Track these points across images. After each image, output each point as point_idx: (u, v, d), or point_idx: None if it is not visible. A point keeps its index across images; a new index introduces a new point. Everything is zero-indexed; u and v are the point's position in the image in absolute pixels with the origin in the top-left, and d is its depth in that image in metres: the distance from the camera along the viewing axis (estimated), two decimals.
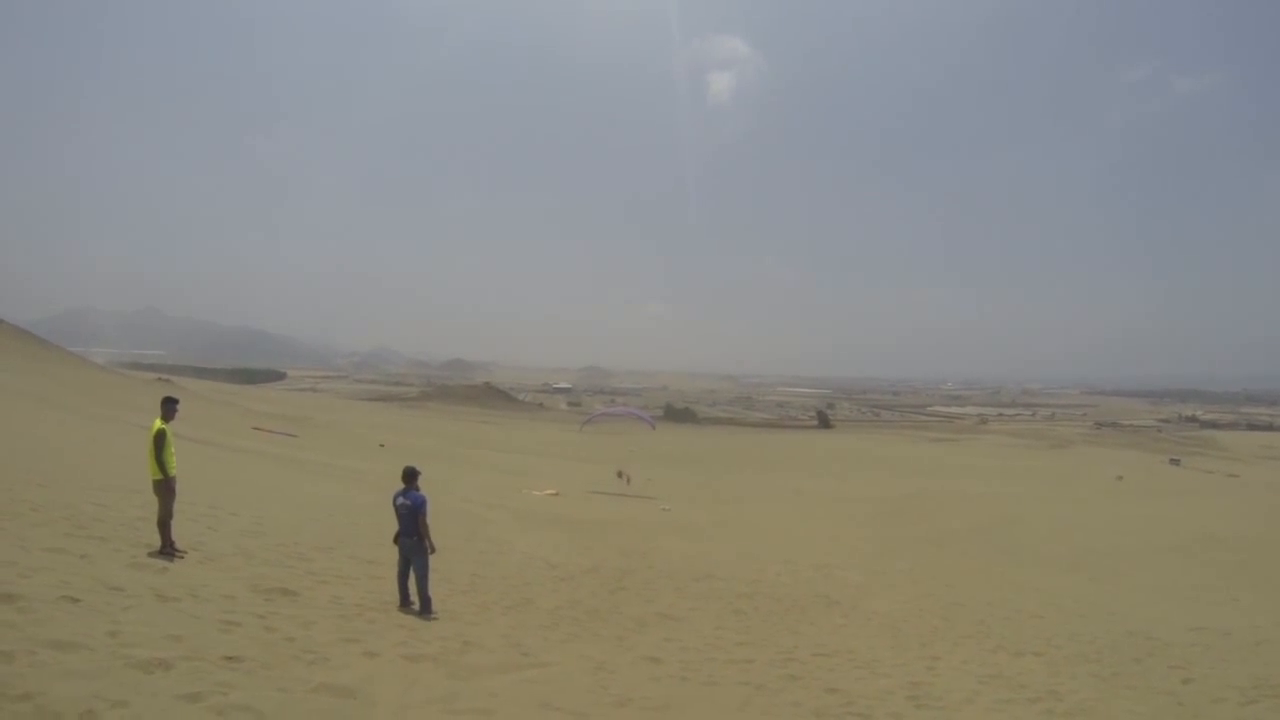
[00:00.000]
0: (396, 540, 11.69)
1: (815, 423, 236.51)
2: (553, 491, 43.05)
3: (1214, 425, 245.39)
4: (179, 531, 11.73)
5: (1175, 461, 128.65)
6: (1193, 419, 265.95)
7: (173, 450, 11.25)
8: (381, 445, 67.21)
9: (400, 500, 11.59)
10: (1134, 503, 57.46)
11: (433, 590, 11.76)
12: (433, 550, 11.65)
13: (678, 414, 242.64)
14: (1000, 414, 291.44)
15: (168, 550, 11.08)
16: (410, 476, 11.76)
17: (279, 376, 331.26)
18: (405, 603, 11.61)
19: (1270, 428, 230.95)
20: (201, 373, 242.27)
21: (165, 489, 11.02)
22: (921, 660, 12.79)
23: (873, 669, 11.90)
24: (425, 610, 11.44)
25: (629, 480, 57.91)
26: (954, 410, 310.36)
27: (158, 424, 11.12)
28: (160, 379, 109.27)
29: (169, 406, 11.46)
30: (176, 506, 11.44)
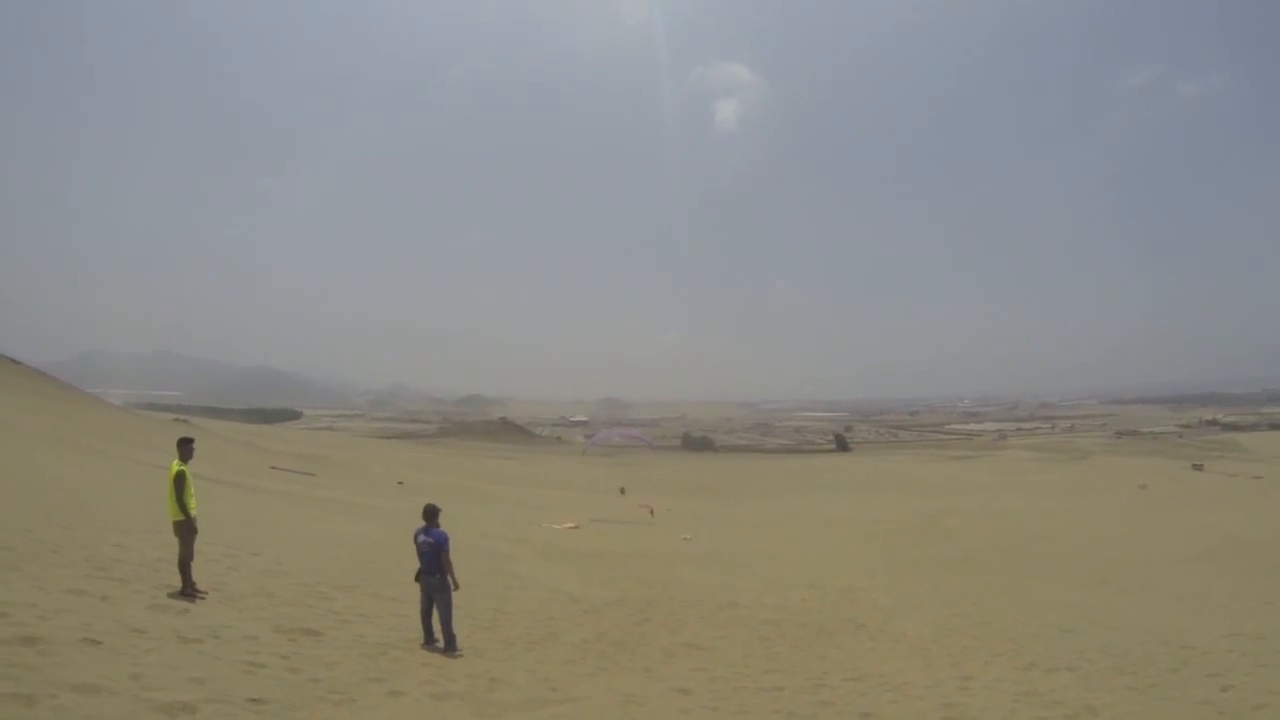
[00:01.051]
0: (418, 578, 11.56)
1: (833, 446, 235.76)
2: (572, 525, 42.78)
3: (1235, 428, 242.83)
4: (199, 572, 11.62)
5: (1198, 467, 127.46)
6: (1213, 423, 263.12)
7: (193, 491, 11.17)
8: (400, 483, 67.12)
9: (422, 538, 11.47)
10: (1159, 511, 56.98)
11: (457, 627, 11.61)
12: (456, 587, 11.52)
13: (695, 443, 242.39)
14: (1019, 429, 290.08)
15: (189, 591, 10.97)
16: (432, 514, 11.66)
17: (295, 416, 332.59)
18: (429, 640, 11.46)
19: None
20: (217, 413, 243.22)
21: (186, 529, 10.93)
22: (954, 680, 12.54)
23: (905, 691, 11.66)
24: (450, 647, 11.28)
25: (652, 512, 57.96)
26: (972, 427, 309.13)
27: (176, 465, 11.05)
28: (177, 419, 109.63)
29: (185, 447, 11.39)
30: (197, 547, 11.34)
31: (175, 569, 11.16)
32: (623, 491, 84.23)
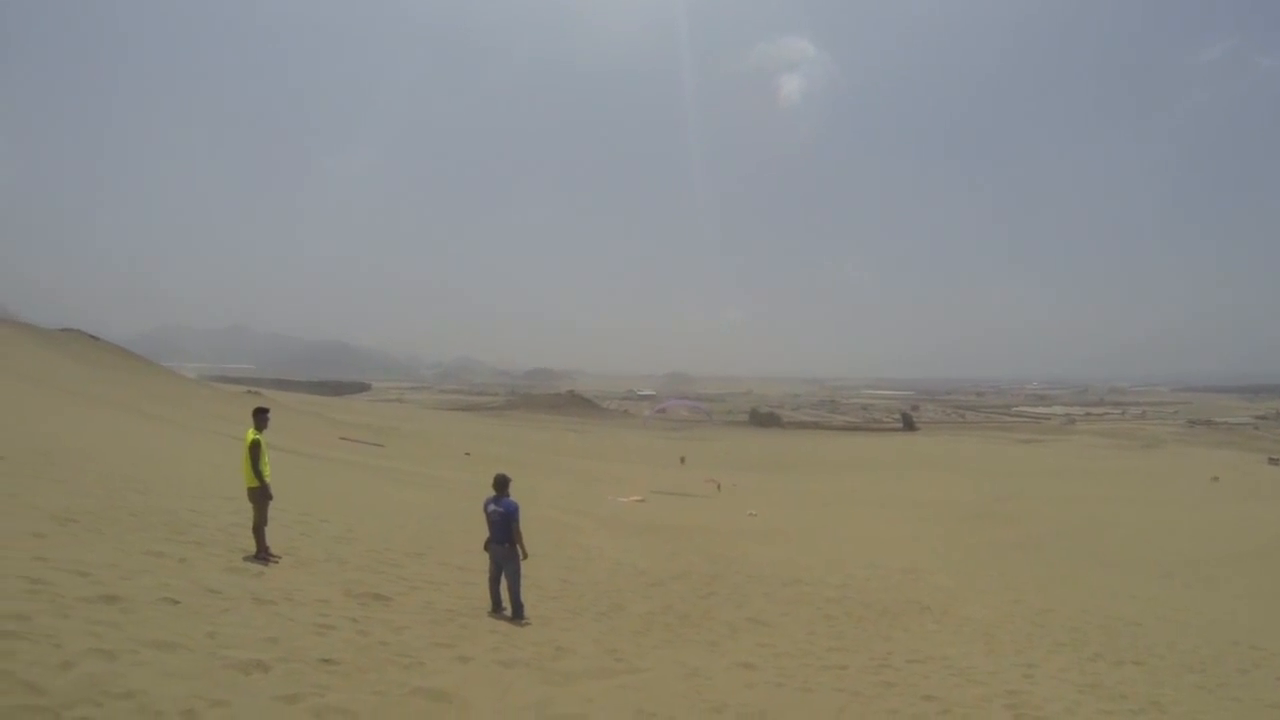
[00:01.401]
0: (487, 546, 11.61)
1: (899, 425, 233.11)
2: (639, 498, 42.95)
3: None
4: (273, 537, 11.87)
5: (1275, 461, 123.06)
6: None
7: (267, 459, 11.39)
8: (467, 454, 67.94)
9: (492, 507, 11.50)
10: (1231, 504, 55.36)
11: (524, 596, 11.66)
12: (525, 556, 11.54)
13: (762, 418, 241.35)
14: (1088, 413, 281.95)
15: (263, 555, 11.20)
16: (502, 484, 11.67)
17: (364, 388, 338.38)
18: (497, 608, 11.53)
19: None
20: (288, 385, 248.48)
21: (260, 496, 11.16)
22: (1018, 668, 12.27)
23: (969, 676, 11.43)
24: (517, 616, 11.34)
25: (719, 486, 58.07)
26: (1040, 410, 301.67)
27: (252, 434, 11.28)
28: (249, 391, 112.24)
29: (261, 417, 11.63)
30: (270, 513, 11.57)
31: (250, 534, 11.41)
32: (682, 460, 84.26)
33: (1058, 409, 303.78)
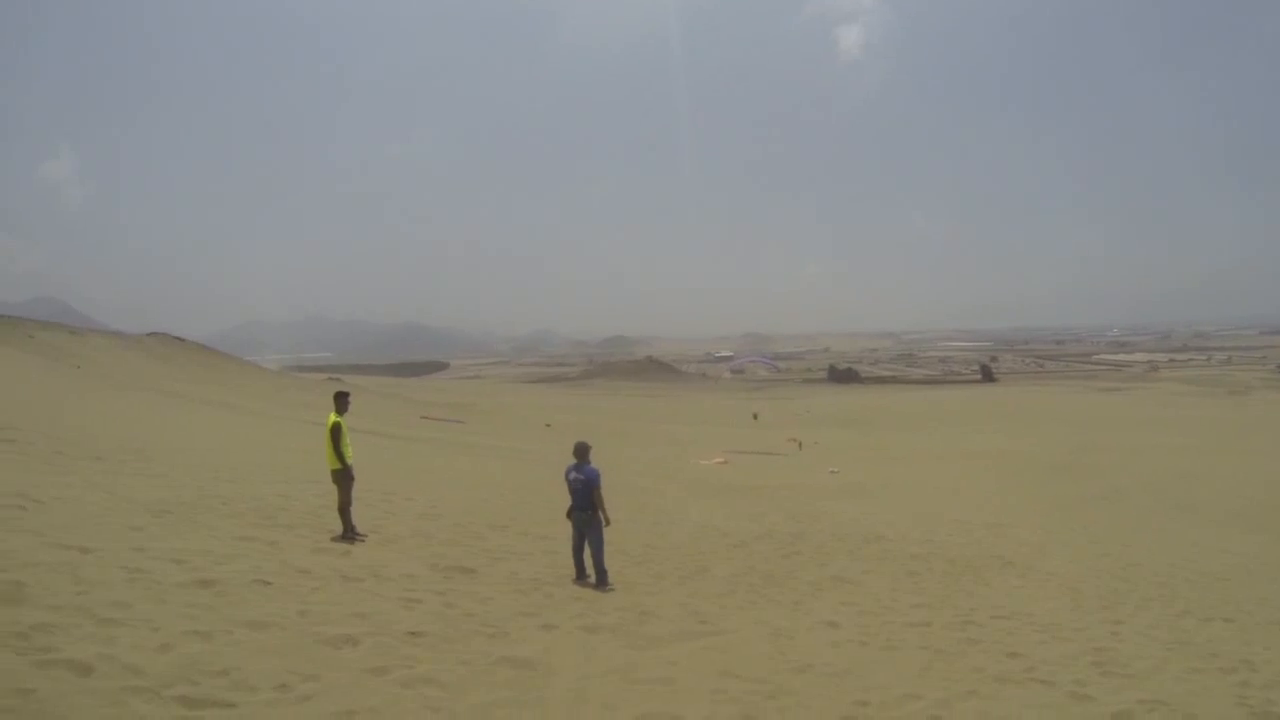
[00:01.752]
0: (570, 515, 11.69)
1: (979, 377, 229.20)
2: (721, 460, 42.88)
3: None
4: (358, 517, 12.11)
5: None
6: None
7: (349, 441, 11.62)
8: (548, 425, 68.49)
9: (573, 475, 11.56)
10: None
11: (608, 562, 11.72)
12: (608, 523, 11.59)
13: (841, 375, 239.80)
14: (1171, 360, 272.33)
15: (349, 534, 11.46)
16: (583, 451, 11.71)
17: (442, 367, 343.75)
18: (581, 576, 11.63)
19: None
20: (366, 369, 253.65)
21: (344, 477, 11.41)
22: (1103, 624, 11.96)
23: (1053, 633, 11.18)
24: (601, 582, 11.41)
25: (800, 444, 57.88)
26: (1121, 358, 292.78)
27: (333, 417, 11.52)
28: (330, 378, 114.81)
29: (341, 400, 11.87)
30: (355, 493, 11.81)
31: (336, 515, 11.67)
32: (755, 417, 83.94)
33: (1139, 356, 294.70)
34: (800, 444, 59.17)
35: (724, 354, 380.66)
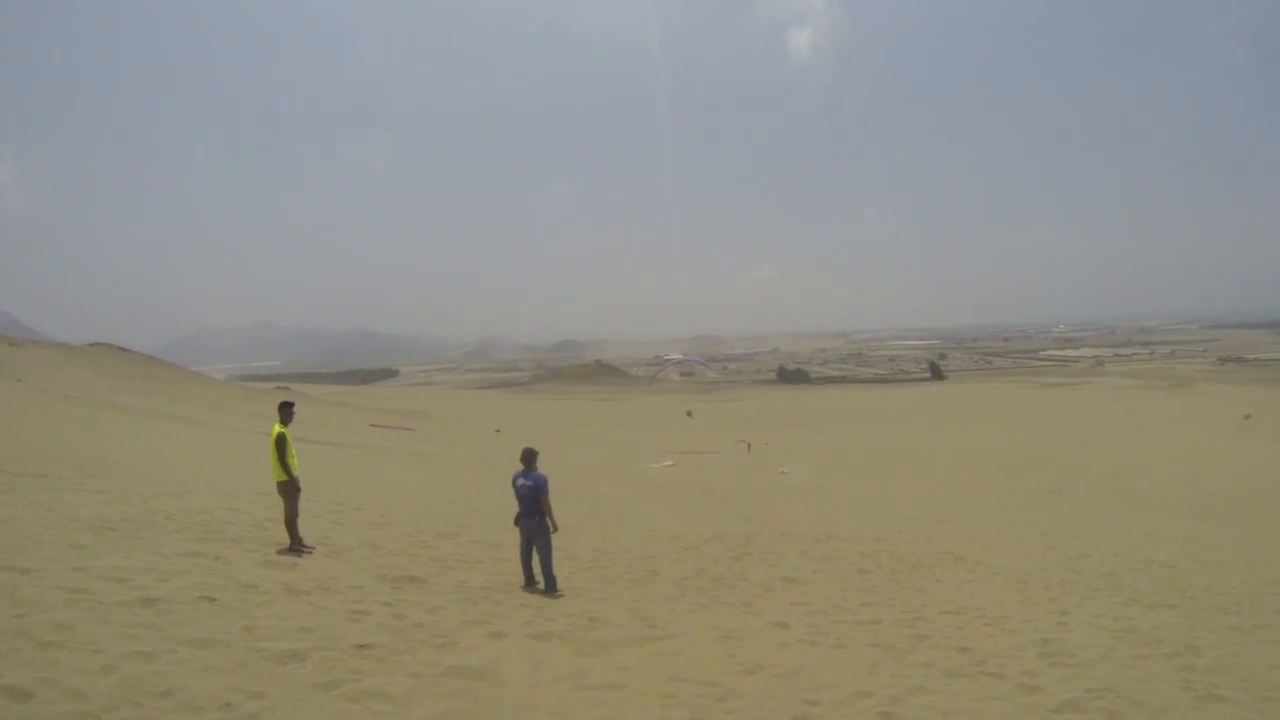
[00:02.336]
0: (518, 521, 11.71)
1: (928, 375, 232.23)
2: (670, 463, 43.04)
3: None
4: (306, 528, 12.03)
5: None
6: None
7: (294, 452, 11.53)
8: (497, 431, 68.31)
9: (521, 481, 11.57)
10: (1264, 442, 54.72)
11: (557, 568, 11.76)
12: (556, 529, 11.62)
13: (790, 375, 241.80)
14: (1116, 354, 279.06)
15: (296, 547, 11.38)
16: (530, 458, 11.73)
17: (392, 374, 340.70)
18: (530, 583, 11.65)
19: None
20: (316, 377, 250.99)
21: (290, 489, 11.33)
22: (1051, 615, 12.21)
23: (1003, 625, 11.39)
24: (550, 589, 11.45)
25: (749, 446, 58.31)
26: (1068, 354, 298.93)
27: (278, 428, 11.42)
28: (278, 387, 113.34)
29: (286, 411, 11.76)
30: (302, 505, 11.73)
31: (283, 527, 11.58)
32: (689, 414, 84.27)
33: (1086, 351, 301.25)
34: (749, 445, 59.67)
35: (673, 356, 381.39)
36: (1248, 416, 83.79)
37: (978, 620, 11.68)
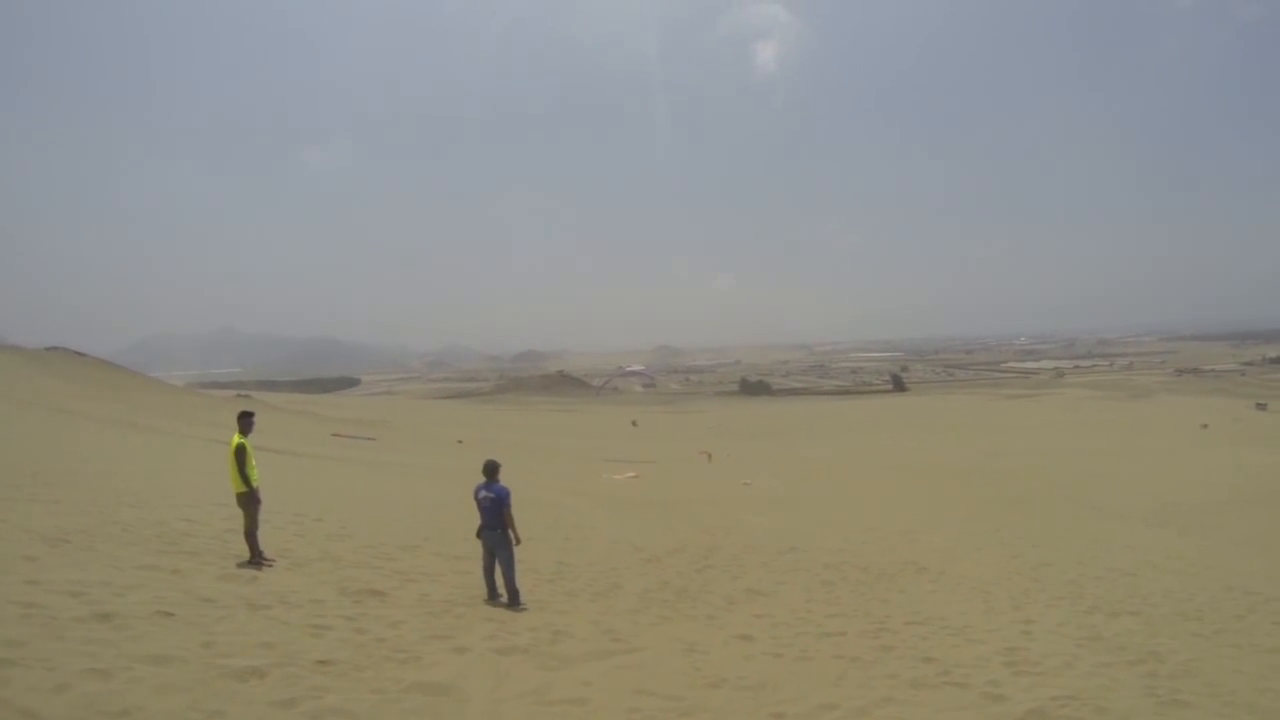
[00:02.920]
0: (480, 534, 11.65)
1: (890, 387, 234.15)
2: (633, 474, 42.95)
3: None
4: (266, 540, 11.88)
5: (1262, 406, 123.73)
6: (1278, 360, 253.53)
7: (254, 462, 11.39)
8: (459, 441, 67.80)
9: (483, 494, 11.52)
10: (1221, 451, 55.77)
11: (519, 581, 11.70)
12: (518, 541, 11.57)
13: (752, 387, 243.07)
14: (1076, 366, 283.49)
15: (256, 560, 11.23)
16: (492, 470, 11.68)
17: (353, 383, 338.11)
18: (493, 596, 11.58)
19: None
20: (276, 385, 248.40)
21: (250, 500, 11.18)
22: (1016, 624, 12.40)
23: (967, 635, 11.55)
24: (513, 602, 11.39)
25: (710, 457, 58.46)
26: (1029, 365, 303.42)
27: (237, 439, 11.27)
28: (239, 395, 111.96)
29: (246, 420, 11.64)
30: (262, 516, 11.59)
31: (243, 539, 11.42)
32: (634, 424, 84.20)
33: (1046, 363, 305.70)
34: (710, 456, 59.83)
35: (634, 368, 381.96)
36: (1205, 426, 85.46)
37: (942, 630, 11.81)
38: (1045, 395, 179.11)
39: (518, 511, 11.60)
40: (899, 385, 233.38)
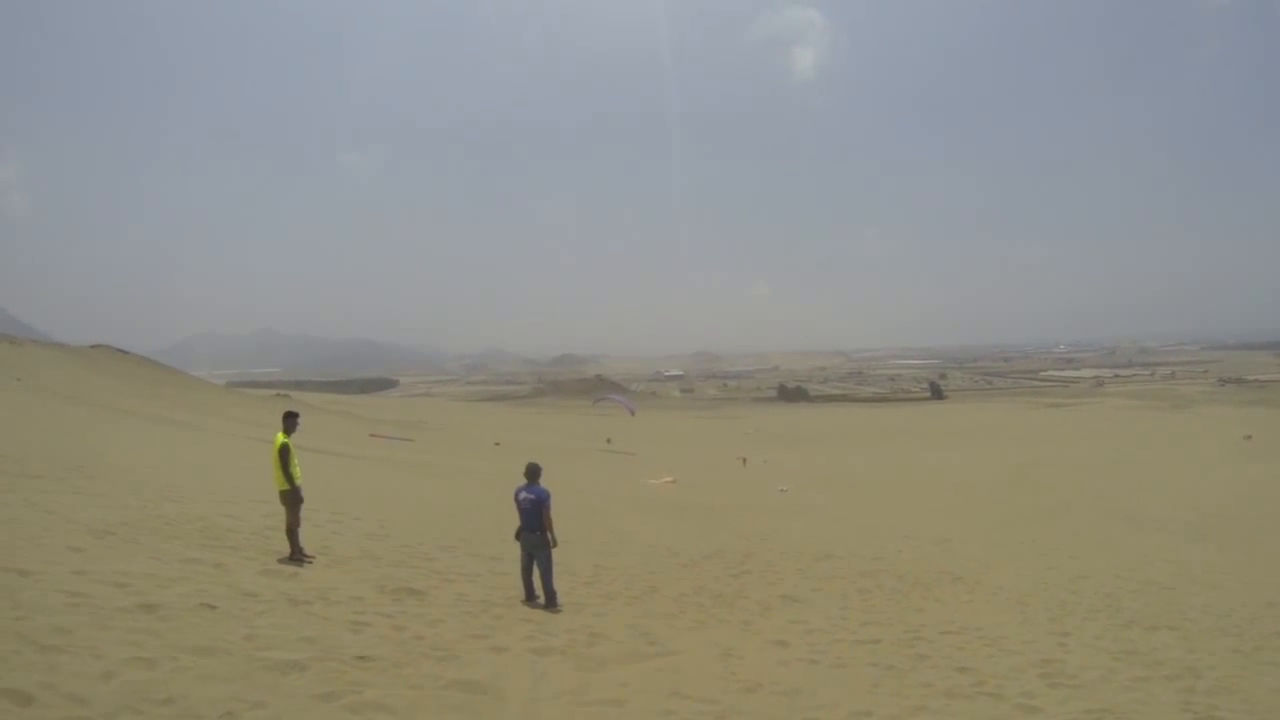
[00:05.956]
0: (518, 536, 11.70)
1: (928, 394, 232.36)
2: (670, 479, 42.92)
3: None
4: (306, 538, 12.00)
5: None
6: None
7: (297, 461, 11.49)
8: (497, 444, 68.14)
9: (523, 495, 11.57)
10: (1265, 464, 54.44)
11: (557, 583, 11.74)
12: (555, 544, 11.61)
13: (790, 394, 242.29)
14: (1116, 375, 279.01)
15: (297, 556, 11.33)
16: (533, 472, 11.74)
17: (392, 384, 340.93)
18: (530, 597, 11.62)
19: None
20: (315, 386, 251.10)
21: (292, 498, 11.28)
22: (1051, 636, 12.24)
23: (1002, 646, 11.42)
24: (550, 604, 11.42)
25: (744, 461, 58.55)
26: (1068, 374, 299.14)
27: (281, 438, 11.38)
28: (279, 395, 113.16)
29: (290, 420, 11.75)
30: (302, 514, 11.69)
31: (284, 536, 11.54)
32: (609, 441, 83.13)
33: (1086, 372, 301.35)
34: (745, 461, 59.85)
35: (673, 373, 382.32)
36: (1248, 437, 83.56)
37: (977, 640, 11.69)
38: (1085, 404, 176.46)
39: (555, 514, 11.65)
40: (937, 393, 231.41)
